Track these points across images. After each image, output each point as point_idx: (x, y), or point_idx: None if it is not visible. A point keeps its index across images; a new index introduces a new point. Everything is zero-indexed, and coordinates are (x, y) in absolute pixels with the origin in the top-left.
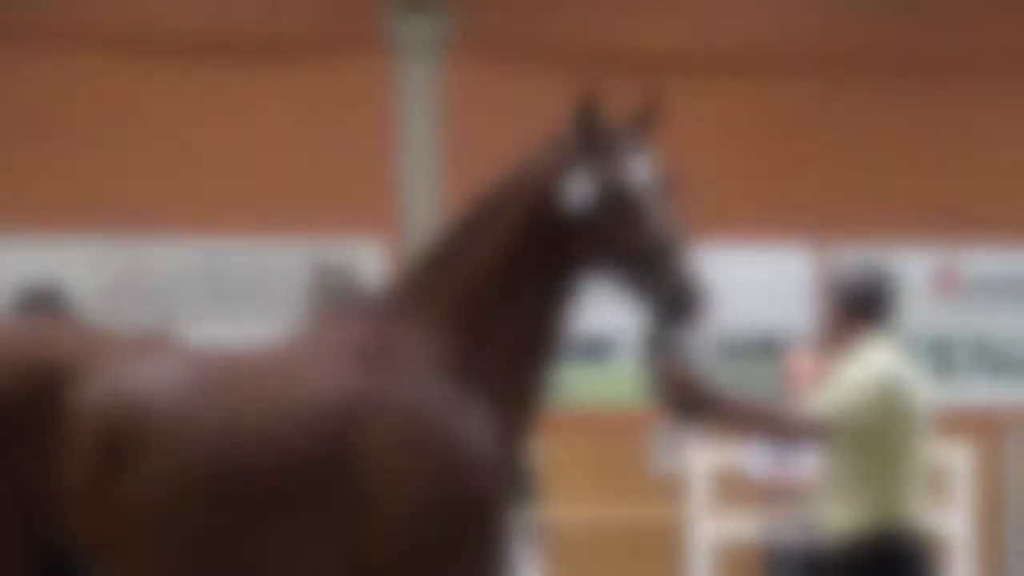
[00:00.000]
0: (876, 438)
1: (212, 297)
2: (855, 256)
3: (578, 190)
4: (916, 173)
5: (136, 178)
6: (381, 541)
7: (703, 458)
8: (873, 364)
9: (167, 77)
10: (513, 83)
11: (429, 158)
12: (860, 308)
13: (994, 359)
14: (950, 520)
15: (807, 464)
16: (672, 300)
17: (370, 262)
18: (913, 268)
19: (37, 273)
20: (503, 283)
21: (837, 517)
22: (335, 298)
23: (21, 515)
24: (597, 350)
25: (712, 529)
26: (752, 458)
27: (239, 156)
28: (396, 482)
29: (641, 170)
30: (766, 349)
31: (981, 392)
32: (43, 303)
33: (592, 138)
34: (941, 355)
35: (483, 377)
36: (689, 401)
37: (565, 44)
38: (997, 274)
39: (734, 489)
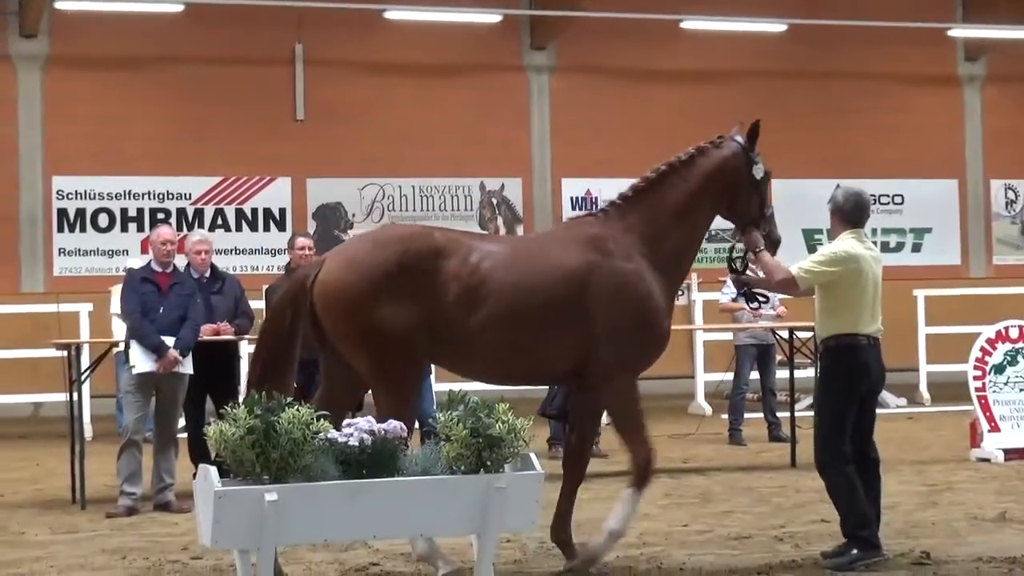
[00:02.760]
0: (834, 284)
1: (423, 210)
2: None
3: (759, 167)
4: (818, 133)
5: (393, 145)
6: (598, 339)
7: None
8: (837, 244)
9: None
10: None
11: (545, 138)
12: (843, 216)
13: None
14: None
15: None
16: (768, 239)
17: (515, 193)
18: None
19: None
20: (679, 210)
21: (820, 327)
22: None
23: (418, 330)
24: None
25: (706, 336)
26: (722, 297)
27: (439, 132)
28: (607, 311)
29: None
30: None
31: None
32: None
33: (754, 141)
34: None
35: (659, 263)
36: (743, 282)
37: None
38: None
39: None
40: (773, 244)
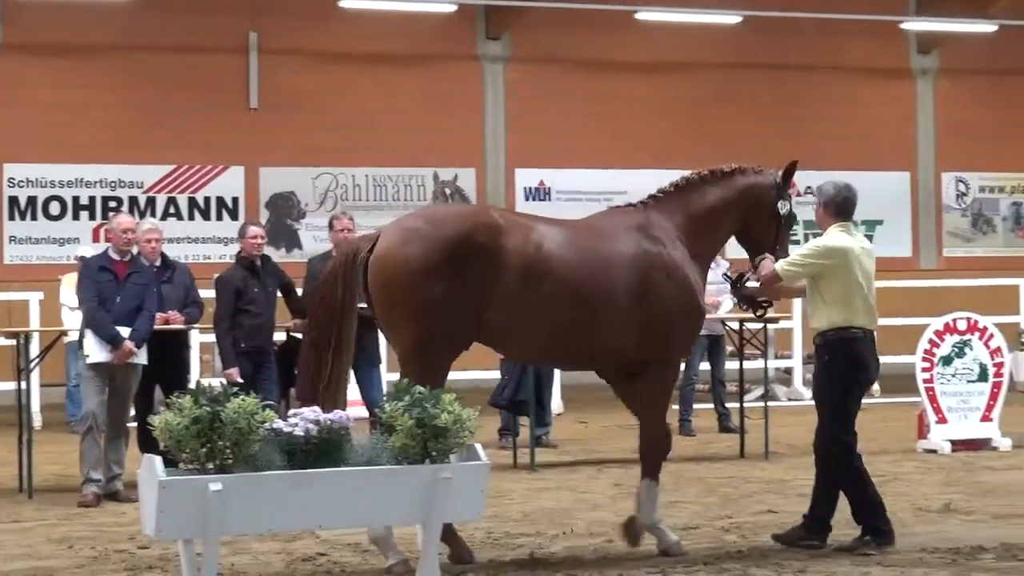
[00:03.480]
0: (824, 277)
1: (376, 199)
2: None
3: (785, 204)
4: (772, 125)
5: (347, 135)
6: (655, 319)
7: None
8: (824, 237)
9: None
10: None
11: (499, 128)
12: (835, 208)
13: None
14: None
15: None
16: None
17: (469, 183)
18: None
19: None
20: (710, 215)
21: (815, 321)
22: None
23: (472, 306)
24: None
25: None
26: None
27: (393, 122)
28: (661, 295)
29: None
30: None
31: None
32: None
33: (788, 178)
34: None
35: (695, 254)
36: (744, 295)
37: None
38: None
39: None
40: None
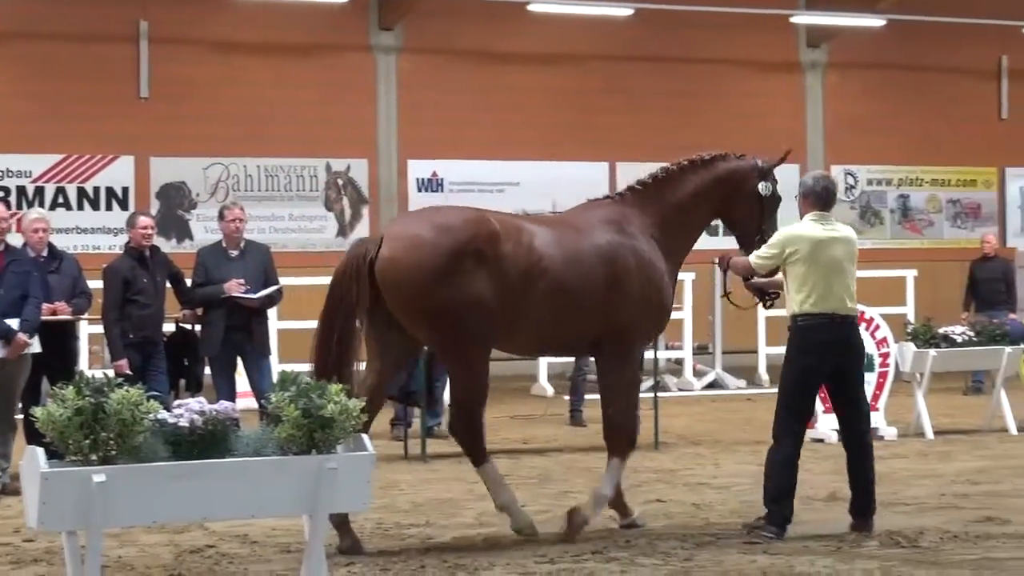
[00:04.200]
0: (790, 264)
1: (267, 190)
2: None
3: (767, 185)
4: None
5: (238, 125)
6: (618, 309)
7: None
8: (786, 227)
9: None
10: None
11: (392, 119)
12: (815, 198)
13: None
14: None
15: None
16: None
17: (361, 173)
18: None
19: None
20: (685, 206)
21: (787, 307)
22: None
23: (485, 306)
24: None
25: None
26: None
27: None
28: (629, 285)
29: (776, 186)
30: None
31: None
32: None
33: (776, 165)
34: None
35: (665, 247)
36: (754, 286)
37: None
38: None
39: None
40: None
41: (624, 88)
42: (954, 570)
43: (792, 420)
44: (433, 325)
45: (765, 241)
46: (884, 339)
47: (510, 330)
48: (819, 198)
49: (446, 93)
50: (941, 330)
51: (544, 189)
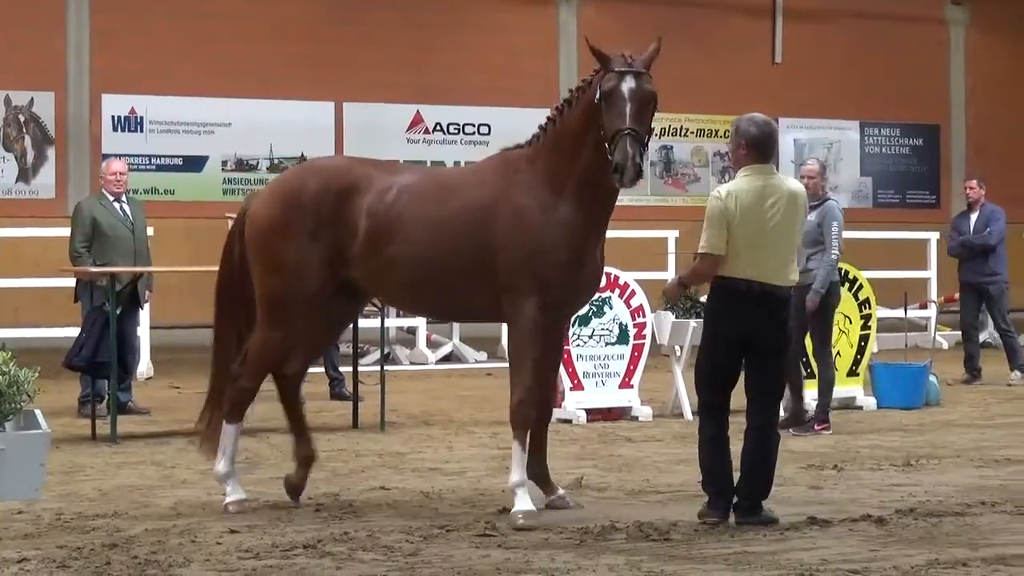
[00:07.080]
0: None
1: None
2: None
3: (598, 85)
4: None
5: None
6: (500, 267)
7: None
8: (710, 198)
9: None
10: None
11: (83, 47)
12: (751, 145)
13: None
14: None
15: None
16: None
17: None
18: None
19: None
20: (573, 142)
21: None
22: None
23: (329, 262)
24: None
25: None
26: None
27: None
28: (508, 239)
29: (607, 84)
30: None
31: None
32: None
33: (610, 59)
34: None
35: (565, 192)
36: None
37: None
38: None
39: None
40: (612, 168)
41: (356, 20)
42: (708, 565)
43: (707, 391)
44: (269, 277)
45: (612, 140)
46: (640, 308)
47: (371, 286)
48: (758, 146)
49: (147, 17)
50: (704, 298)
51: (261, 131)
